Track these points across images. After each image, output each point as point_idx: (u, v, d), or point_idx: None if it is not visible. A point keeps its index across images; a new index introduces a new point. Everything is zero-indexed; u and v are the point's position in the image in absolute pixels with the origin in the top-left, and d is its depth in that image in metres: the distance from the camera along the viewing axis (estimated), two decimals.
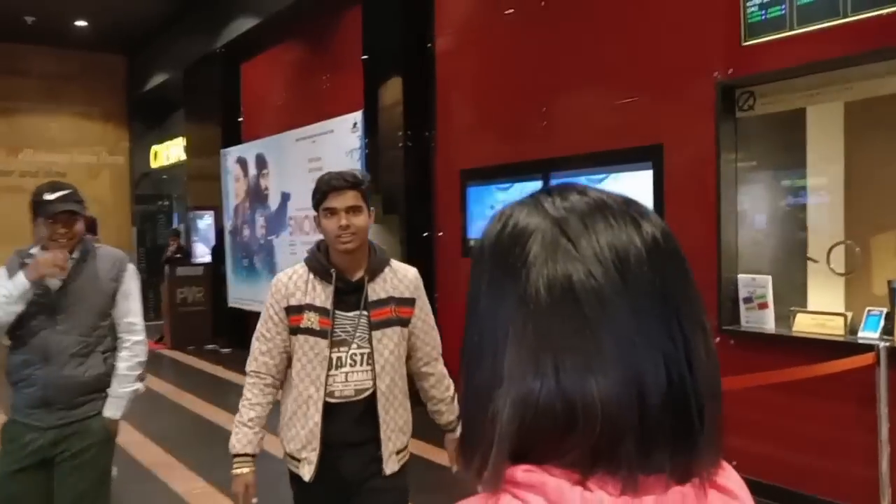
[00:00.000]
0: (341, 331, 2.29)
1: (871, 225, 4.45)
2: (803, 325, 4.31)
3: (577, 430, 0.57)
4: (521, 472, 0.58)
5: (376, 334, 2.30)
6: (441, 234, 6.79)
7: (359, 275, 2.31)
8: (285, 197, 8.62)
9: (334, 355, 2.29)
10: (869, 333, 4.00)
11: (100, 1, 10.74)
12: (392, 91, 6.97)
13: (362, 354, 2.31)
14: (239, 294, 9.87)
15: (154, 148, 13.39)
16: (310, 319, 2.29)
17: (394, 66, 6.97)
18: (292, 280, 2.33)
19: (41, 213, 2.80)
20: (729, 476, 0.65)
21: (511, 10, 6.02)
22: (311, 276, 2.31)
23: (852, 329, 4.15)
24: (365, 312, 2.30)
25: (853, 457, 3.93)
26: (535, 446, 0.58)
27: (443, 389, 2.52)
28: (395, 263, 2.41)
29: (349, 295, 2.30)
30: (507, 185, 6.05)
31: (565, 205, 0.64)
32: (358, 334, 2.31)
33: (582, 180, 5.51)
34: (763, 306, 4.46)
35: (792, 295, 4.54)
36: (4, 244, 13.32)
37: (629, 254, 0.61)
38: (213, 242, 10.93)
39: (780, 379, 3.65)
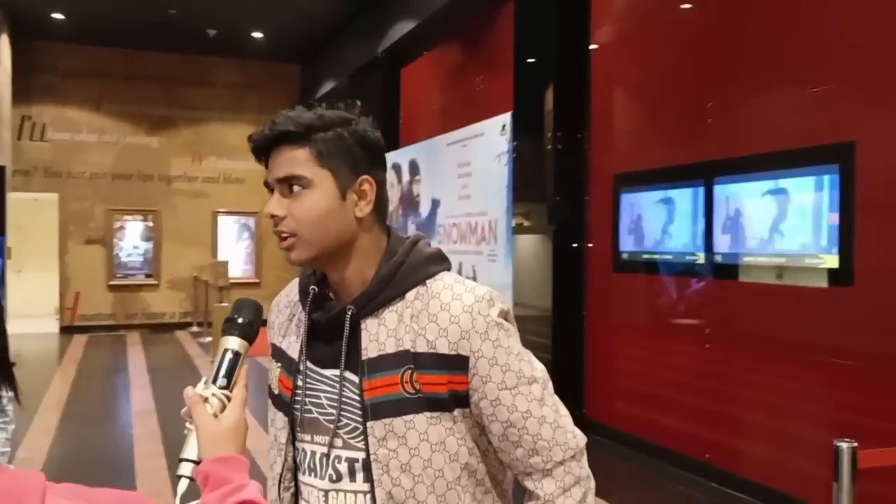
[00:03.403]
0: (314, 403, 1.22)
1: None
2: None
3: None
4: None
5: (375, 427, 1.17)
6: (591, 245, 6.18)
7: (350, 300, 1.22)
8: (435, 204, 8.33)
9: (302, 448, 1.25)
10: None
11: (274, 12, 11.07)
12: (543, 90, 6.46)
13: (352, 462, 1.19)
14: None
15: None
16: (273, 374, 1.31)
17: (546, 64, 6.46)
18: (285, 296, 1.36)
19: None
20: None
21: (689, 6, 5.34)
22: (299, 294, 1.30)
23: None
24: (352, 377, 1.19)
25: None
26: None
27: None
28: (442, 281, 1.21)
29: (330, 337, 1.22)
30: (665, 191, 5.35)
31: None
32: (345, 420, 1.20)
33: (749, 186, 4.75)
34: None
35: None
36: (189, 245, 14.15)
37: None
38: None
39: None
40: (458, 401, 1.17)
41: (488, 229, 7.18)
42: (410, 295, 1.20)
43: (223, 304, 9.81)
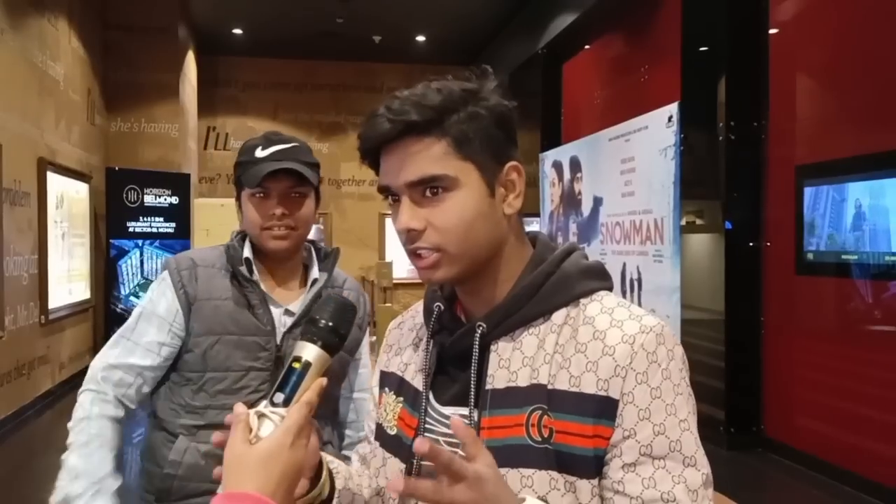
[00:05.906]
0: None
1: None
2: None
3: None
4: None
5: None
6: (769, 244, 5.63)
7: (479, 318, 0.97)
8: (597, 202, 7.98)
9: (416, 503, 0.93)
10: None
11: (437, 15, 11.16)
12: (714, 78, 5.97)
13: None
14: None
15: None
16: (391, 409, 1.05)
17: (717, 50, 5.98)
18: (410, 317, 1.13)
19: (246, 181, 1.64)
20: None
21: None
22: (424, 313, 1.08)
23: None
24: (474, 416, 0.93)
25: None
26: None
27: None
28: (600, 303, 0.95)
29: (455, 365, 0.99)
30: (857, 182, 4.76)
31: None
32: None
33: None
34: None
35: None
36: (358, 247, 14.53)
37: None
38: None
39: None
40: (603, 465, 0.88)
41: (654, 228, 6.76)
42: (558, 317, 0.93)
43: (387, 305, 9.98)
